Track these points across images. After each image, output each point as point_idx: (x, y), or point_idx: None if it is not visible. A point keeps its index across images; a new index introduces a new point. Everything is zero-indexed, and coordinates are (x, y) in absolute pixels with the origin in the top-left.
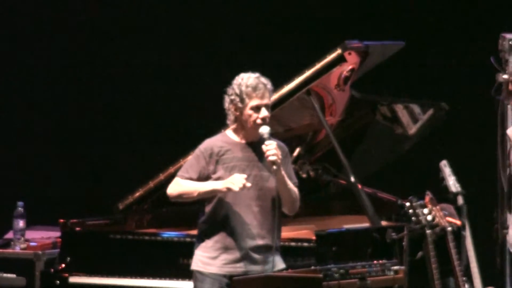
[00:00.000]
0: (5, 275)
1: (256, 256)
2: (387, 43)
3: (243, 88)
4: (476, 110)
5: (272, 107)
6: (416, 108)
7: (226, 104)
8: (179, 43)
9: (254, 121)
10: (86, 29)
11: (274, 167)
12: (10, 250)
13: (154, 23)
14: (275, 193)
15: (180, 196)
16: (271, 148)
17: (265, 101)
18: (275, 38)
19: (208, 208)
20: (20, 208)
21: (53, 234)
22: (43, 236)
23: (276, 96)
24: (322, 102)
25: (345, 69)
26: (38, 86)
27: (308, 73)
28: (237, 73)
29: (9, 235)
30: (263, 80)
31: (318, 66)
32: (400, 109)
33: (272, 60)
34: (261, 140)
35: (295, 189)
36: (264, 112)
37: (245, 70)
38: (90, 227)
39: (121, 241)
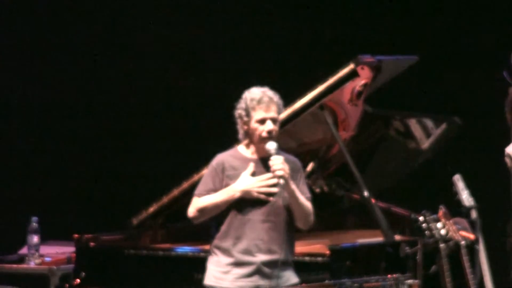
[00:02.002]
0: None
1: (268, 270)
2: (400, 58)
3: (248, 102)
4: (489, 123)
5: (285, 122)
6: (429, 123)
7: (236, 118)
8: (193, 57)
9: (260, 135)
10: (102, 39)
11: (281, 181)
12: (24, 266)
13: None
14: (287, 207)
15: (201, 214)
16: (277, 163)
17: (271, 114)
18: (288, 53)
19: (219, 223)
20: (34, 223)
21: (68, 249)
22: (58, 251)
23: (289, 111)
24: (335, 117)
25: (358, 83)
26: (51, 100)
27: (321, 87)
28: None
29: (24, 250)
30: (269, 93)
31: (331, 80)
32: (413, 124)
33: (285, 75)
34: (269, 156)
35: (308, 204)
36: (269, 125)
37: (257, 85)
38: (104, 242)
39: (135, 256)
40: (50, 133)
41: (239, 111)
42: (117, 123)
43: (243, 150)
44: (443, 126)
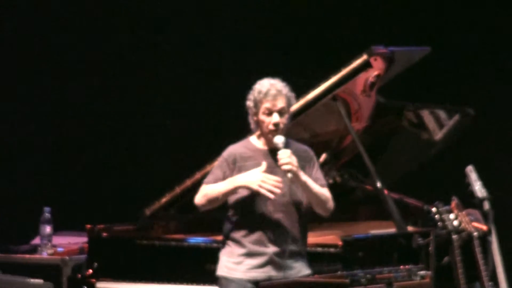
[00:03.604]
0: (32, 280)
1: (280, 261)
2: (413, 49)
3: (256, 94)
4: (503, 115)
5: (298, 112)
6: (442, 114)
7: (247, 109)
8: (196, 52)
9: (267, 127)
10: (105, 40)
11: (289, 175)
12: (37, 256)
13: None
14: (299, 199)
15: (207, 202)
16: (284, 157)
17: (278, 106)
18: (301, 45)
19: (232, 214)
20: (47, 214)
21: (80, 240)
22: (70, 242)
23: (302, 102)
24: (348, 108)
25: (371, 74)
26: (59, 94)
27: (334, 78)
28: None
29: (36, 240)
30: (278, 86)
31: (344, 71)
32: (426, 115)
33: (297, 67)
34: (277, 150)
35: (323, 191)
36: (275, 118)
37: (271, 76)
38: (117, 233)
39: (148, 246)
40: (63, 123)
41: (248, 102)
42: (132, 114)
43: (255, 141)
44: (456, 117)
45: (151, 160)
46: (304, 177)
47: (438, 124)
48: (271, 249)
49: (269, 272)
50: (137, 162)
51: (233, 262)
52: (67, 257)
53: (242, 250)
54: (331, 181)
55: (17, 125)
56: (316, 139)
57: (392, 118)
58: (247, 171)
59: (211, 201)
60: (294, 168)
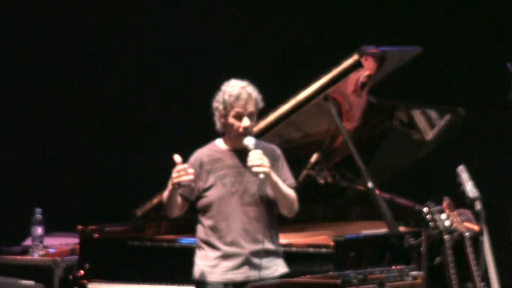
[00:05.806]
0: (24, 282)
1: (256, 261)
2: (404, 49)
3: (226, 97)
4: (493, 115)
5: (289, 113)
6: (433, 114)
7: (213, 109)
8: (197, 56)
9: (236, 130)
10: (101, 39)
11: (261, 176)
12: (28, 257)
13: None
14: (269, 197)
15: (165, 207)
16: (255, 158)
17: (248, 110)
18: (289, 44)
19: (203, 217)
20: (38, 215)
21: (72, 241)
22: (62, 243)
23: (293, 102)
24: (339, 108)
25: (362, 74)
26: (55, 93)
27: (325, 78)
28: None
29: (28, 242)
30: (248, 89)
31: (335, 71)
32: (417, 115)
33: (286, 67)
34: (247, 151)
35: (290, 192)
36: (245, 122)
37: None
38: (108, 234)
39: (139, 247)
40: (54, 124)
41: (216, 104)
42: (122, 115)
43: (220, 143)
44: (447, 117)
45: (143, 161)
46: (275, 177)
47: (429, 124)
48: (246, 249)
49: (246, 272)
50: (129, 163)
51: (208, 265)
52: (58, 258)
53: (217, 253)
54: (322, 181)
55: (7, 125)
56: (308, 139)
57: (383, 118)
58: (215, 173)
59: (167, 205)
60: (266, 169)
